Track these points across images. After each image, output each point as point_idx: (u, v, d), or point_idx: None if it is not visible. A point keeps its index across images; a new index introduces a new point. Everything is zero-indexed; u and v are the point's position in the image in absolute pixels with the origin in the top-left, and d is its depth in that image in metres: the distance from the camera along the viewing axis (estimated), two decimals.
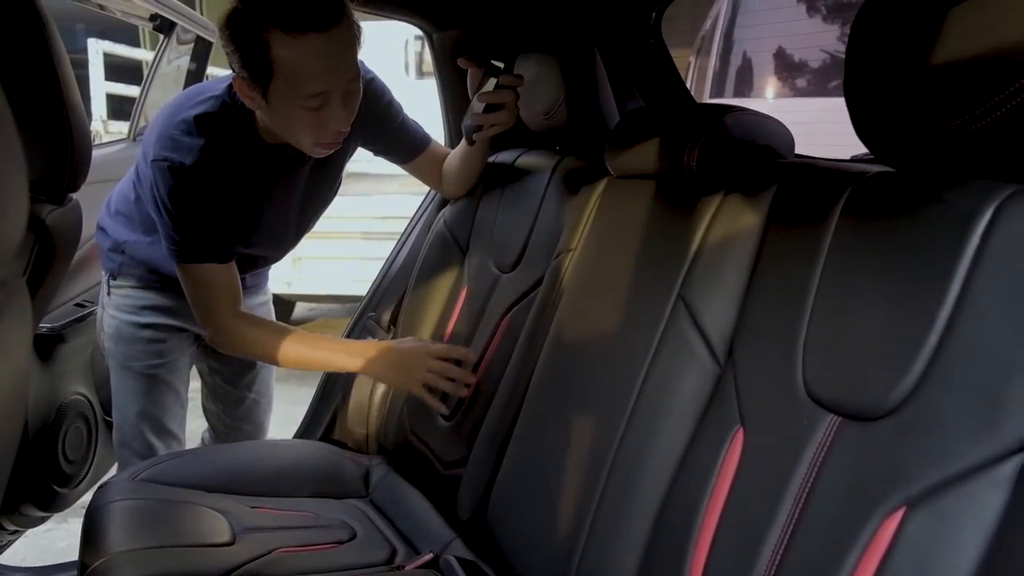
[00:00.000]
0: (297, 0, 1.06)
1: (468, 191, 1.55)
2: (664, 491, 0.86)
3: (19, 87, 0.85)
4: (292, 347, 1.31)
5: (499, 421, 1.21)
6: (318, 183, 1.41)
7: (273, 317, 1.70)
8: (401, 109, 1.47)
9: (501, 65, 1.39)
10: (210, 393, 1.76)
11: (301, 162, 1.32)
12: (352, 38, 1.12)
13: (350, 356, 1.32)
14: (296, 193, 1.38)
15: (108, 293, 1.55)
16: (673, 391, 0.89)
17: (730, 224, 0.91)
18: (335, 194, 1.50)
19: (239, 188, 1.27)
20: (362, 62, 1.31)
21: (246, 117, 1.24)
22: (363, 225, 3.95)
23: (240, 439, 1.76)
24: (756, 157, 0.96)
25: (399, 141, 1.48)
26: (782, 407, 0.75)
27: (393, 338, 1.56)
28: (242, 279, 1.58)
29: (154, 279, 1.50)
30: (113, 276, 1.54)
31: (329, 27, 1.07)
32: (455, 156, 1.53)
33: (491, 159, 1.55)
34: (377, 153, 1.50)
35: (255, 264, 1.51)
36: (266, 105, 1.15)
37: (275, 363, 1.35)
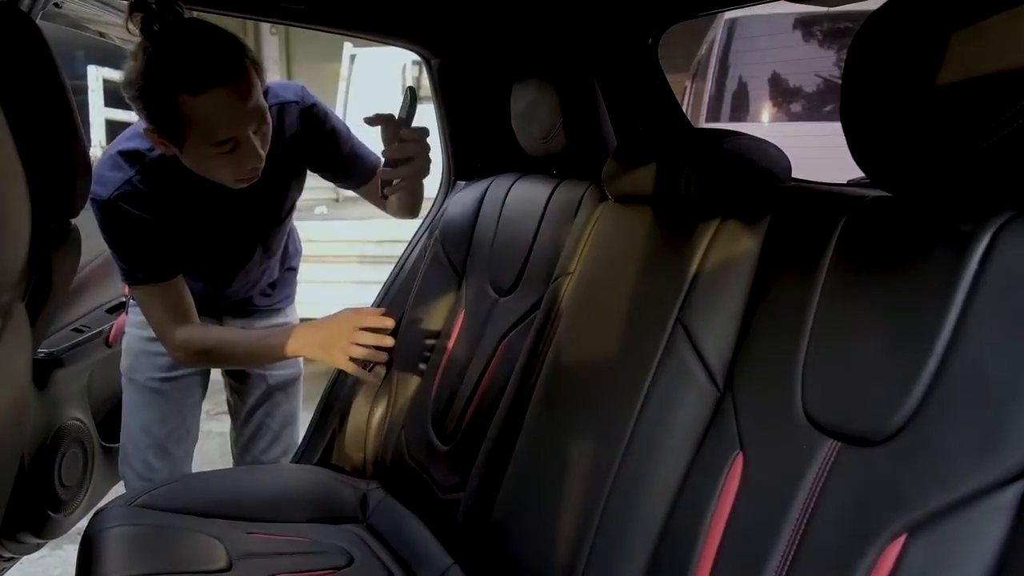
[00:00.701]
0: (199, 61, 1.12)
1: (413, 215, 1.55)
2: (664, 515, 0.86)
3: (22, 114, 0.86)
4: (237, 345, 1.38)
5: (498, 445, 1.20)
6: (263, 199, 1.43)
7: None
8: (349, 134, 1.48)
9: (403, 116, 1.32)
10: (233, 420, 1.79)
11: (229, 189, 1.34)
12: (254, 85, 1.17)
13: (282, 339, 1.37)
14: (240, 210, 1.41)
15: (127, 312, 1.62)
16: (672, 415, 0.88)
17: (728, 248, 0.91)
18: (290, 209, 1.53)
19: (171, 213, 1.32)
20: (303, 87, 1.41)
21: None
22: (360, 249, 3.96)
23: None
24: (754, 182, 0.96)
25: (348, 167, 1.50)
26: (781, 431, 0.75)
27: (390, 363, 1.56)
28: (248, 299, 1.59)
29: None
30: (133, 297, 1.59)
31: (230, 81, 1.13)
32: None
33: (488, 183, 1.56)
34: (329, 179, 1.53)
35: (231, 282, 1.54)
36: (180, 152, 1.21)
37: (235, 364, 1.45)
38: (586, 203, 1.27)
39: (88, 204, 1.23)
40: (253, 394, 1.73)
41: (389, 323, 1.35)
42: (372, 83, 5.24)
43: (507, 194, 1.49)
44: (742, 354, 0.85)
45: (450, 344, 1.47)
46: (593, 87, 1.41)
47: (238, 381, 1.73)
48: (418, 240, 1.77)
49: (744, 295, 0.87)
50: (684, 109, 2.15)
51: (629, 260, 1.07)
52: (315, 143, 1.43)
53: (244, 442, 1.76)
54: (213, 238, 1.42)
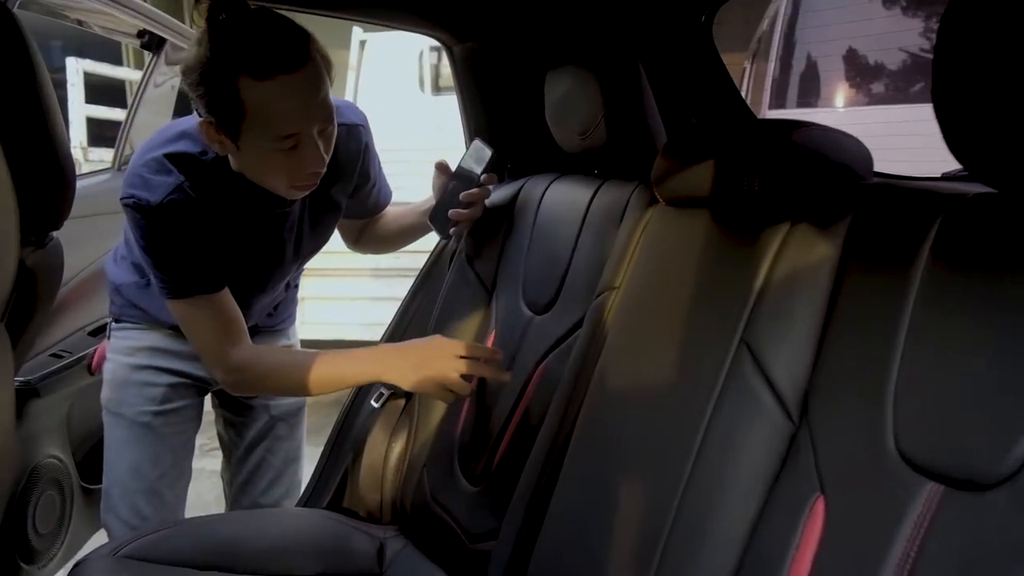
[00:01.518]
0: (264, 45, 1.18)
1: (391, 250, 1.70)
2: (732, 569, 0.84)
3: (4, 121, 0.88)
4: (307, 369, 1.36)
5: (535, 486, 1.20)
6: (312, 221, 1.49)
7: None
8: (380, 165, 1.60)
9: (478, 172, 1.50)
10: (227, 457, 1.80)
11: (286, 201, 1.40)
12: (321, 78, 1.23)
13: (366, 363, 1.36)
14: (284, 231, 1.45)
15: (109, 337, 1.63)
16: (739, 452, 0.87)
17: (800, 257, 0.91)
18: (329, 235, 1.59)
19: (218, 224, 1.35)
20: (353, 106, 1.49)
21: (228, 171, 1.33)
22: (374, 260, 3.99)
23: None
24: (829, 179, 0.95)
25: (369, 198, 1.61)
26: (871, 472, 0.74)
27: (410, 395, 1.57)
28: (261, 319, 1.62)
29: (150, 320, 1.57)
30: (116, 320, 1.62)
31: (296, 68, 1.19)
32: (394, 221, 1.68)
33: (520, 185, 1.56)
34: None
35: (251, 303, 1.55)
36: (236, 149, 1.26)
37: (294, 392, 1.44)
38: (633, 207, 1.27)
39: (124, 212, 1.32)
40: (253, 427, 1.74)
41: (498, 356, 1.35)
42: (385, 73, 5.29)
43: (542, 198, 1.49)
44: (819, 380, 0.84)
45: None
46: (638, 73, 1.41)
47: (234, 412, 1.74)
48: (440, 250, 1.78)
49: (820, 312, 0.86)
50: (743, 95, 2.14)
51: (684, 272, 1.06)
52: (364, 174, 1.53)
53: (241, 482, 1.77)
54: (251, 257, 1.45)
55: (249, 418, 1.73)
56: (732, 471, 0.87)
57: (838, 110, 3.69)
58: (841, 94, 3.79)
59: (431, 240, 1.77)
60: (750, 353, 0.90)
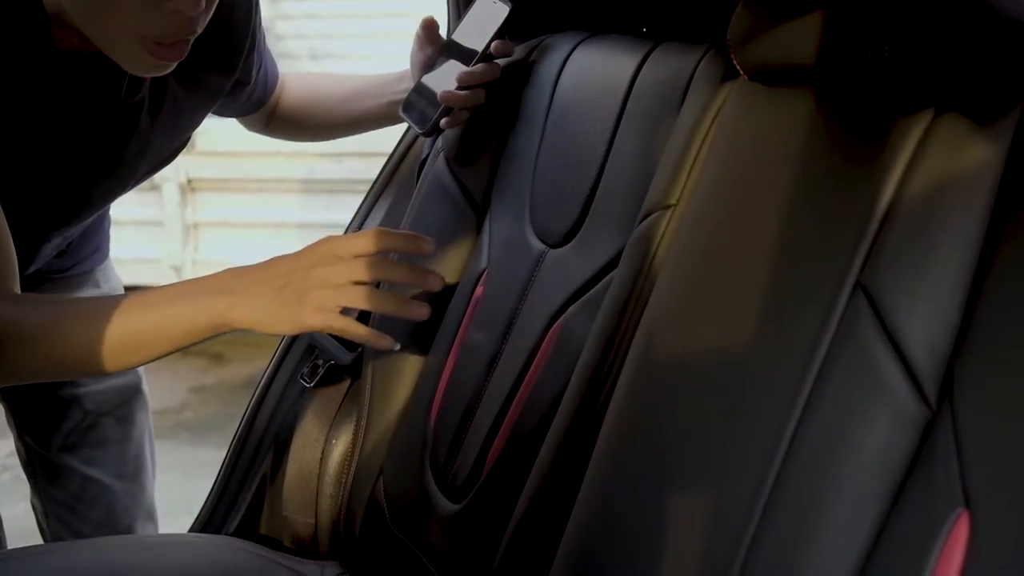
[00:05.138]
0: None
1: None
2: None
3: None
4: (100, 322, 1.25)
5: (544, 499, 1.22)
6: (171, 118, 1.47)
7: None
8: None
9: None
10: (31, 476, 1.81)
11: (131, 84, 1.37)
12: None
13: (198, 297, 1.27)
14: (123, 130, 1.42)
15: None
16: (849, 449, 0.89)
17: (948, 164, 0.91)
18: (186, 141, 1.59)
19: (6, 113, 1.30)
20: None
21: (34, 13, 1.27)
22: (304, 167, 3.98)
23: None
24: (997, 46, 0.95)
25: (255, 89, 1.64)
26: None
27: (359, 363, 1.59)
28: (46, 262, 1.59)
29: None
30: None
31: None
32: (343, 101, 1.71)
33: (531, 48, 1.56)
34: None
35: (38, 246, 1.53)
36: None
37: (83, 367, 1.35)
38: (700, 83, 1.27)
39: None
40: (62, 431, 1.75)
41: (424, 246, 1.30)
42: None
43: (562, 69, 1.49)
44: (971, 348, 0.85)
45: (461, 330, 1.49)
46: None
47: (28, 410, 1.75)
48: (405, 152, 1.78)
49: (975, 246, 0.87)
50: None
51: (774, 182, 1.07)
52: (251, 50, 1.54)
53: (62, 512, 1.80)
54: (62, 170, 1.41)
55: (53, 418, 1.74)
56: (838, 476, 0.89)
57: None
58: None
59: (387, 137, 1.78)
60: (869, 304, 0.92)
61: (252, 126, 1.78)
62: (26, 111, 1.32)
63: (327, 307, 1.22)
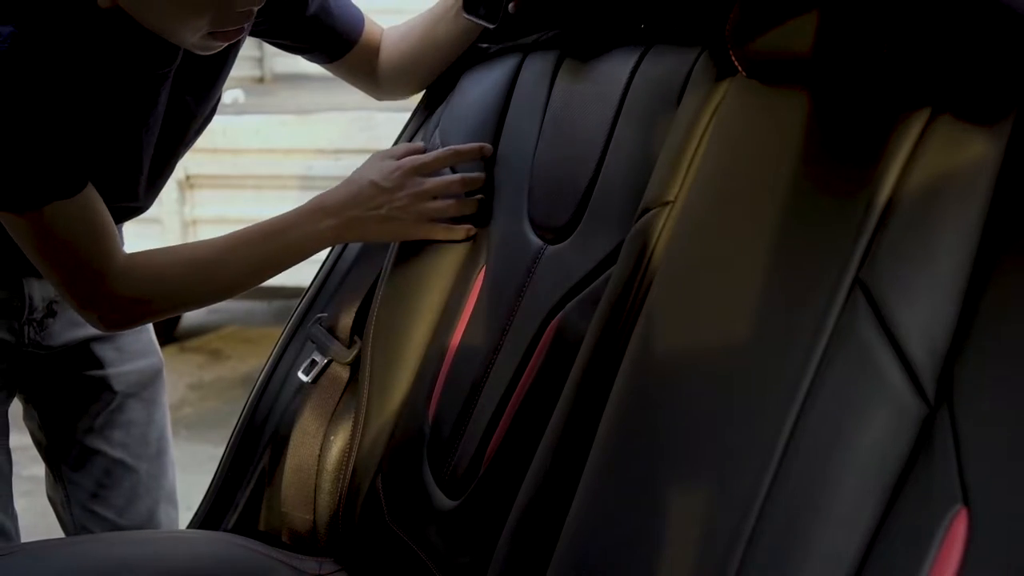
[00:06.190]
0: None
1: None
2: None
3: None
4: (219, 261, 1.45)
5: (543, 496, 1.22)
6: (188, 97, 1.49)
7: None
8: None
9: None
10: (53, 468, 1.81)
11: (168, 62, 1.39)
12: None
13: (310, 229, 1.49)
14: (152, 112, 1.44)
15: None
16: (847, 446, 0.89)
17: (946, 162, 0.91)
18: (211, 117, 1.62)
19: (75, 92, 1.33)
20: None
21: None
22: (302, 164, 3.98)
23: None
24: (997, 42, 0.95)
25: (324, 26, 1.61)
26: None
27: (357, 360, 1.59)
28: None
29: None
30: None
31: None
32: (418, 32, 1.70)
33: (524, 46, 1.56)
34: (292, 50, 1.64)
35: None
36: None
37: (216, 296, 1.54)
38: (698, 80, 1.27)
39: None
40: (88, 413, 1.75)
41: (485, 151, 1.51)
42: None
43: (559, 65, 1.49)
44: (970, 344, 0.85)
45: (461, 325, 1.49)
46: None
47: (52, 395, 1.75)
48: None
49: (973, 243, 0.87)
50: None
51: (772, 178, 1.07)
52: None
53: (83, 501, 1.79)
54: (109, 150, 1.44)
55: (79, 401, 1.75)
56: (836, 473, 0.89)
57: None
58: None
59: (386, 137, 1.78)
60: (868, 300, 0.92)
61: (364, 85, 1.79)
62: (92, 89, 1.36)
63: (423, 220, 1.51)
